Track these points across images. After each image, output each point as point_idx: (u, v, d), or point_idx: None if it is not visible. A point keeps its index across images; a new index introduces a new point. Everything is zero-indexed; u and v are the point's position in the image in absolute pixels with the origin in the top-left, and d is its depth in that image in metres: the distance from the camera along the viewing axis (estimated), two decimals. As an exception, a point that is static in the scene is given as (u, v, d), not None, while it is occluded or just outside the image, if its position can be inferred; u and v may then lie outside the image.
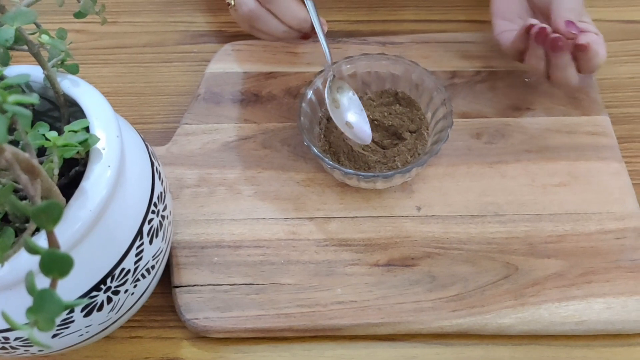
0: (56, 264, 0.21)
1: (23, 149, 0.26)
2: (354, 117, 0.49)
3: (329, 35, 0.57)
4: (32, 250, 0.21)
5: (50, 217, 0.21)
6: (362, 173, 0.45)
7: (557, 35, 0.44)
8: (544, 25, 0.45)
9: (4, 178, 0.29)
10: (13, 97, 0.21)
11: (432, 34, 0.58)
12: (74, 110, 0.38)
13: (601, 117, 0.52)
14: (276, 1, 0.46)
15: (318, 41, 0.49)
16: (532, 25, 0.46)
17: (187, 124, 0.52)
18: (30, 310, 0.20)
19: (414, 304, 0.43)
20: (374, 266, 0.45)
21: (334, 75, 0.49)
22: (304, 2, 0.47)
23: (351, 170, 0.45)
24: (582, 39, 0.44)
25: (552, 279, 0.44)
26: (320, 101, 0.50)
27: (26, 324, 0.22)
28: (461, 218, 0.47)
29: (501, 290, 0.43)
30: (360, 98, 0.51)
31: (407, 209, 0.47)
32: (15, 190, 0.33)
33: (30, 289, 0.21)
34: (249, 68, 0.56)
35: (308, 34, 0.48)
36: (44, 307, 0.21)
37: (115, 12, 0.62)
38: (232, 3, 0.48)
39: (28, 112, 0.21)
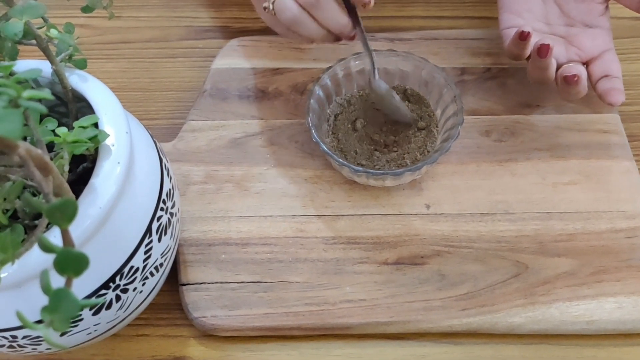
0: (71, 262, 0.21)
1: (33, 145, 0.26)
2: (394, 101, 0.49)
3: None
4: (47, 248, 0.21)
5: (65, 215, 0.21)
6: (372, 170, 0.45)
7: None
8: (547, 42, 0.45)
9: (13, 175, 0.29)
10: (27, 92, 0.21)
11: (441, 30, 0.57)
12: (80, 106, 0.37)
13: (611, 114, 0.51)
14: (320, 6, 0.45)
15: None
16: (524, 33, 0.45)
17: (193, 120, 0.52)
18: (45, 310, 0.20)
19: (424, 302, 0.43)
20: (383, 264, 0.44)
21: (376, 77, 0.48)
22: (345, 8, 0.47)
23: (361, 168, 0.45)
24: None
25: (562, 278, 0.43)
26: (329, 98, 0.50)
27: (37, 322, 0.21)
28: (471, 216, 0.46)
29: (511, 289, 0.43)
30: (369, 94, 0.50)
31: (416, 207, 0.47)
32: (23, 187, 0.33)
33: (46, 288, 0.20)
34: (255, 64, 0.55)
35: (342, 38, 0.48)
36: (59, 306, 0.20)
37: (119, 7, 0.61)
38: (271, 8, 0.46)
39: (43, 108, 0.21)
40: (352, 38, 0.47)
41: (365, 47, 0.48)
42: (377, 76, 0.48)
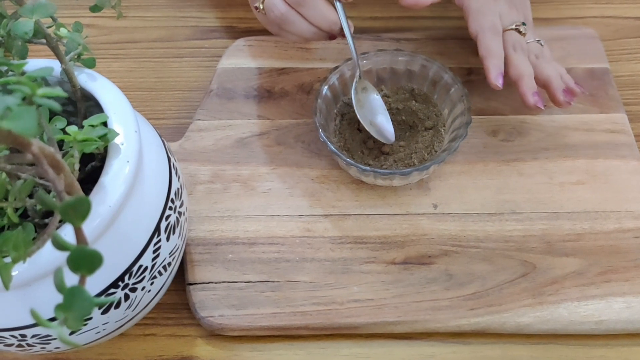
0: (85, 260, 0.21)
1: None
2: (377, 117, 0.48)
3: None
4: (61, 246, 0.21)
5: (79, 212, 0.21)
6: (380, 170, 0.45)
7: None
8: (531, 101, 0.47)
9: (24, 173, 0.28)
10: (42, 90, 0.21)
11: (447, 30, 0.57)
12: (89, 105, 0.37)
13: (619, 114, 0.51)
14: (307, 4, 0.45)
15: (343, 42, 0.49)
16: (496, 85, 0.47)
17: (199, 119, 0.52)
18: (60, 308, 0.20)
19: (431, 302, 0.43)
20: (391, 264, 0.44)
21: (360, 77, 0.48)
22: (332, 4, 0.47)
23: (369, 168, 0.45)
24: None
25: (570, 277, 0.43)
26: (336, 97, 0.50)
27: (50, 319, 0.21)
28: (478, 216, 0.46)
29: (519, 289, 0.43)
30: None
31: (423, 206, 0.47)
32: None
33: (60, 286, 0.20)
34: (261, 64, 0.55)
35: (335, 35, 0.48)
36: (74, 304, 0.20)
37: (126, 7, 0.61)
38: (261, 7, 0.47)
39: (58, 106, 0.21)
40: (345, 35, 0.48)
41: (350, 45, 0.48)
42: (358, 77, 0.48)
